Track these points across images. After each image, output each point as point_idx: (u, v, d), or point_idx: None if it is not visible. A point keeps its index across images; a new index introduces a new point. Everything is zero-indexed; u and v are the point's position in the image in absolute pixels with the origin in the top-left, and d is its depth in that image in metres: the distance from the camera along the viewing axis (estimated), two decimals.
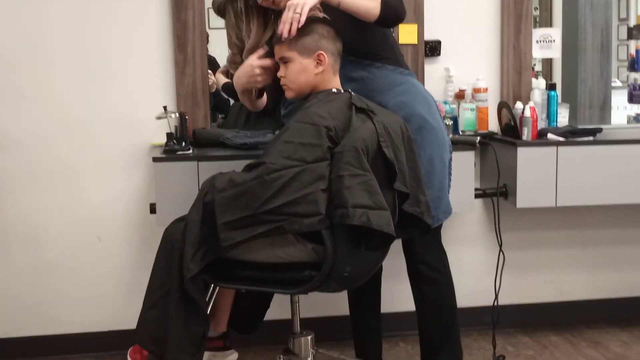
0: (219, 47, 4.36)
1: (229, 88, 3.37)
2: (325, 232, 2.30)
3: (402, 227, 2.56)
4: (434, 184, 2.70)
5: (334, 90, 2.57)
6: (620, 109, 5.02)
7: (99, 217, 3.33)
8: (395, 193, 2.50)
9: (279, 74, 2.59)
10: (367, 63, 2.73)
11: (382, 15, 2.55)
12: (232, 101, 4.08)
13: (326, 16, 2.56)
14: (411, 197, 2.52)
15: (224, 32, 3.94)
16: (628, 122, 5.01)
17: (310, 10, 2.44)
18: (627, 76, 5.37)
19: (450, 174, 2.80)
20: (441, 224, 2.78)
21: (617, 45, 5.34)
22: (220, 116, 4.06)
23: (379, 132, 2.42)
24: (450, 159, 2.80)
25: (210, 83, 3.44)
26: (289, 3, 2.44)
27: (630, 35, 5.41)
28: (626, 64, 5.42)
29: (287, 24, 2.42)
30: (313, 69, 2.53)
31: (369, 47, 2.72)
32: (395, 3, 2.60)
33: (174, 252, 2.45)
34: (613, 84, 4.67)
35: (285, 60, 2.56)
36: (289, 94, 2.61)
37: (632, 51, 5.41)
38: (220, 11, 3.56)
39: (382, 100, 2.69)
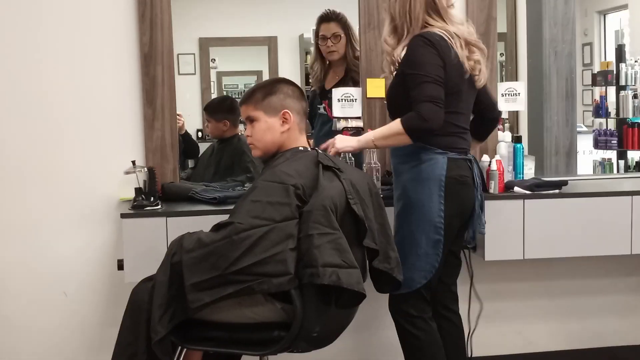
0: (188, 92, 4.41)
1: None
2: (294, 291, 2.31)
3: (374, 284, 2.57)
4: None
5: (301, 148, 2.58)
6: (586, 154, 5.09)
7: (64, 272, 3.27)
8: (364, 250, 2.51)
9: (246, 133, 2.61)
10: None
11: (414, 140, 2.63)
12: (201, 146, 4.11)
13: None
14: (381, 254, 2.52)
15: (194, 77, 4.04)
16: (594, 168, 5.07)
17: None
18: (592, 121, 5.45)
19: (438, 255, 2.69)
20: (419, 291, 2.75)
21: (582, 91, 5.43)
22: (190, 166, 4.05)
23: (347, 189, 2.43)
24: (440, 243, 2.69)
25: (180, 125, 3.43)
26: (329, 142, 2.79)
27: (594, 82, 5.50)
28: (591, 108, 5.51)
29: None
30: (279, 127, 2.55)
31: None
32: (415, 120, 2.59)
33: (141, 313, 2.42)
34: (578, 129, 4.72)
35: (252, 119, 2.58)
36: (255, 153, 2.62)
37: (597, 97, 5.50)
38: None
39: (392, 161, 2.85)
